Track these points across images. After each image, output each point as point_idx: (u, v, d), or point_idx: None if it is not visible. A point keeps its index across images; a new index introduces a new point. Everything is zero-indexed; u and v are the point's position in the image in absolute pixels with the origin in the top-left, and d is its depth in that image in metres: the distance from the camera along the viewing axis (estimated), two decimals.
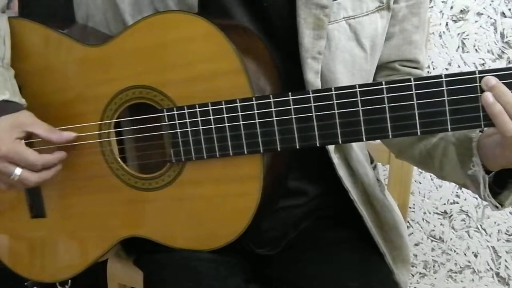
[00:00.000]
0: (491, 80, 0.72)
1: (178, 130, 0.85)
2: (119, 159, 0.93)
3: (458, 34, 1.49)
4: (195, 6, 0.88)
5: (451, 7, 1.47)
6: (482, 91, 0.72)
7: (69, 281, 1.06)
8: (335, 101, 0.76)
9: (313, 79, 0.89)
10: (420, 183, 1.62)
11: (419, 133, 0.75)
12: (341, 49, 0.91)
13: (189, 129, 0.85)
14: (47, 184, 0.98)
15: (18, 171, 0.90)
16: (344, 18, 0.90)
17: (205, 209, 0.88)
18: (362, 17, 0.92)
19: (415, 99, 0.74)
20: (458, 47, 1.49)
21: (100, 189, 0.95)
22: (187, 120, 0.84)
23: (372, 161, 1.09)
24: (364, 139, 0.77)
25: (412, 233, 1.68)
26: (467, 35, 1.48)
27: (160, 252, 0.95)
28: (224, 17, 0.90)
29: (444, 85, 0.73)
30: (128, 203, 0.93)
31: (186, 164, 0.88)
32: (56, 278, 1.04)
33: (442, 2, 1.47)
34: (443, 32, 1.50)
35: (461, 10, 1.47)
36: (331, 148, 0.93)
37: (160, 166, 0.90)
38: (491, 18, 1.45)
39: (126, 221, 0.94)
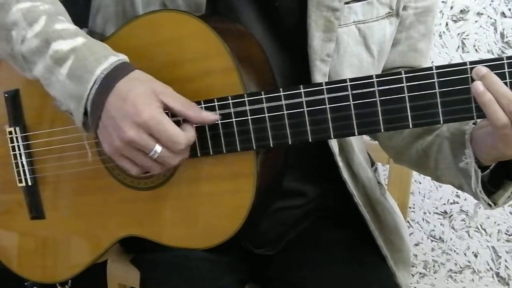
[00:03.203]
0: (482, 69, 0.71)
1: None
2: None
3: (458, 34, 1.48)
4: (203, 4, 0.88)
5: (451, 7, 1.47)
6: (473, 81, 0.72)
7: (69, 281, 1.07)
8: (326, 96, 0.76)
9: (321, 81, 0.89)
10: (420, 183, 1.62)
11: (411, 126, 0.74)
12: (350, 53, 0.91)
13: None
14: (46, 185, 1.00)
15: (158, 148, 0.77)
16: (354, 22, 0.91)
17: (200, 207, 0.88)
18: (372, 22, 0.92)
19: (406, 91, 0.73)
20: (458, 47, 1.49)
21: (97, 189, 0.95)
22: (180, 118, 0.84)
23: (372, 164, 1.10)
24: (356, 134, 0.77)
25: (412, 233, 1.67)
26: (467, 35, 1.48)
27: (156, 252, 0.95)
28: (225, 16, 0.90)
29: (435, 77, 0.72)
30: (124, 203, 0.93)
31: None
32: (55, 278, 1.04)
33: (442, 2, 1.47)
34: (443, 32, 1.50)
35: (461, 10, 1.47)
36: (335, 151, 0.93)
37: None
38: (491, 18, 1.44)
39: (123, 221, 0.94)
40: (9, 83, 0.99)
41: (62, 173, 0.98)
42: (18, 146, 0.99)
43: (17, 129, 0.98)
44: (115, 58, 0.80)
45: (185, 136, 0.78)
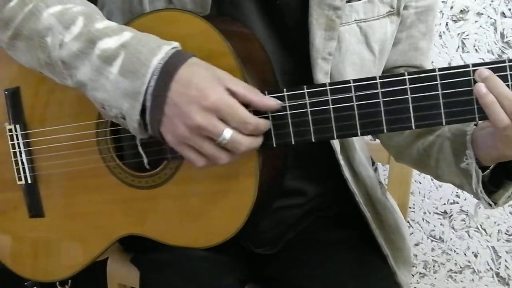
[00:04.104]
0: (485, 72, 0.72)
1: None
2: (116, 157, 0.93)
3: (458, 34, 1.49)
4: (209, 1, 0.88)
5: (451, 7, 1.48)
6: (476, 83, 0.73)
7: (69, 281, 1.06)
8: (329, 97, 0.76)
9: (323, 80, 0.89)
10: (420, 183, 1.62)
11: (413, 127, 0.75)
12: (351, 52, 0.91)
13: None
14: (46, 184, 1.00)
15: (227, 132, 0.73)
16: (355, 20, 0.91)
17: (202, 207, 0.88)
18: (373, 21, 0.92)
19: (409, 93, 0.74)
20: (458, 47, 1.49)
21: (97, 188, 0.95)
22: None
23: (373, 164, 1.10)
24: (359, 134, 0.77)
25: (412, 233, 1.68)
26: (467, 35, 1.48)
27: (156, 251, 0.95)
28: (227, 16, 0.90)
29: (438, 78, 0.73)
30: (125, 201, 0.93)
31: (183, 161, 0.88)
32: (55, 277, 1.04)
33: (442, 2, 1.47)
34: (443, 32, 1.50)
35: (461, 10, 1.47)
36: (337, 149, 0.93)
37: (157, 164, 0.90)
38: (491, 18, 1.45)
39: (123, 219, 0.94)
40: (9, 80, 0.99)
41: (62, 172, 0.98)
42: (18, 144, 0.99)
43: (17, 126, 0.98)
44: (168, 46, 0.77)
45: (255, 117, 0.76)
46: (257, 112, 0.78)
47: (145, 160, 0.87)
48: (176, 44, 0.78)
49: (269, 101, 0.77)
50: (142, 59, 0.75)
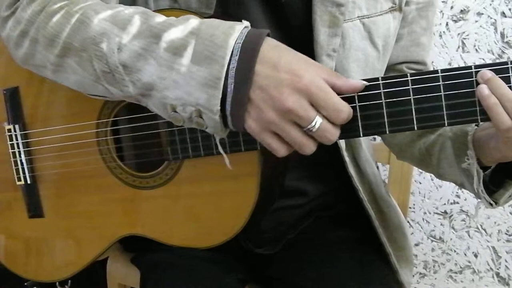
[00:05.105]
0: (487, 73, 0.71)
1: (175, 128, 0.85)
2: (116, 158, 0.93)
3: (458, 34, 1.48)
4: (213, 1, 0.88)
5: (451, 7, 1.48)
6: (478, 85, 0.72)
7: (69, 281, 1.06)
8: None
9: None
10: (420, 183, 1.62)
11: (416, 128, 0.74)
12: (355, 48, 0.91)
13: (186, 126, 0.84)
14: (45, 184, 0.99)
15: (319, 119, 0.67)
16: (358, 17, 0.91)
17: (203, 207, 0.88)
18: (376, 17, 0.92)
19: (411, 94, 0.73)
20: (458, 47, 1.49)
21: (98, 188, 0.95)
22: None
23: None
24: (361, 135, 0.76)
25: (412, 233, 1.68)
26: (467, 35, 1.48)
27: (156, 251, 0.95)
28: (229, 16, 0.90)
29: (441, 80, 0.73)
30: (126, 202, 0.93)
31: (184, 162, 0.88)
32: (55, 277, 1.04)
33: (442, 2, 1.48)
34: (443, 32, 1.50)
35: (461, 10, 1.47)
36: (343, 146, 0.93)
37: (158, 164, 0.90)
38: (491, 18, 1.45)
39: (124, 220, 0.94)
40: (8, 80, 0.98)
41: (62, 172, 0.97)
42: (17, 144, 0.98)
43: (17, 126, 0.98)
44: (241, 25, 0.70)
45: (348, 105, 0.69)
46: None
47: (227, 161, 0.78)
48: (247, 23, 0.71)
49: (354, 83, 0.70)
50: (217, 41, 0.68)
